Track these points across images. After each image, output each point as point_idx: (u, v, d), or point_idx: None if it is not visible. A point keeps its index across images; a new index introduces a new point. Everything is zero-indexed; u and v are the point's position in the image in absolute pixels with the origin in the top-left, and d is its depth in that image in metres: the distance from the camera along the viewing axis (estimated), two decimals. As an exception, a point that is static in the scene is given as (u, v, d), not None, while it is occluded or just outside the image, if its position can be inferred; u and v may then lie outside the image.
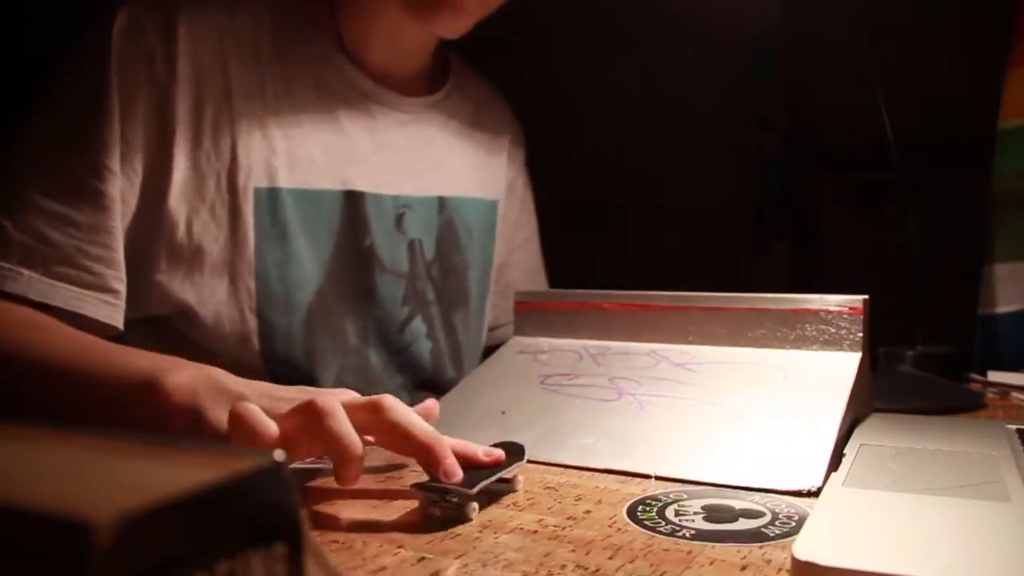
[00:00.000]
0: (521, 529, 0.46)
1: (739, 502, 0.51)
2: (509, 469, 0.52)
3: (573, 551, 0.43)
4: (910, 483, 0.49)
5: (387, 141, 0.83)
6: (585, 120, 1.44)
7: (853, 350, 0.66)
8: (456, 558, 0.42)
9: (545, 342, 0.77)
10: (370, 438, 0.52)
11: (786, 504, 0.51)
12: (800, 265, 1.34)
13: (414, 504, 0.50)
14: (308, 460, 0.54)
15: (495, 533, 0.46)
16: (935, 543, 0.40)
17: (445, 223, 0.88)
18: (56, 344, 0.62)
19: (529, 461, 0.60)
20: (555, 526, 0.47)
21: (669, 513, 0.49)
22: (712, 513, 0.49)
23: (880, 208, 1.25)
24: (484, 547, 0.44)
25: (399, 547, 0.44)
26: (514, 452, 0.54)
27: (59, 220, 0.67)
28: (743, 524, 0.47)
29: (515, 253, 1.01)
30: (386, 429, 0.50)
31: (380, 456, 0.55)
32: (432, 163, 0.86)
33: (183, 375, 0.55)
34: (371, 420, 0.50)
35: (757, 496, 0.52)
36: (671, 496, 0.52)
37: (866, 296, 0.67)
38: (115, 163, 0.69)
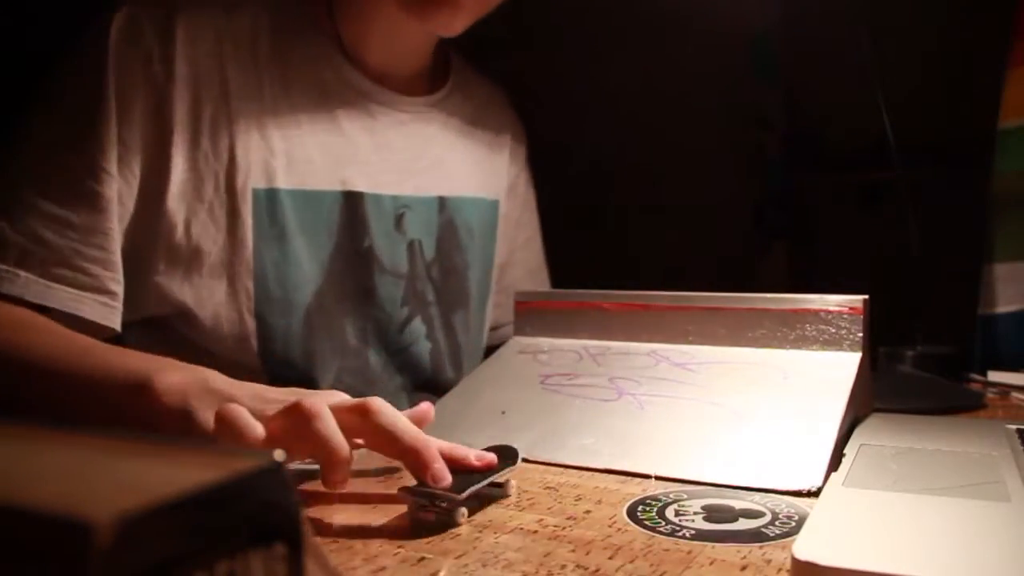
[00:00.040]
0: (521, 529, 0.46)
1: (739, 502, 0.51)
2: (501, 473, 0.51)
3: (573, 551, 0.43)
4: (910, 483, 0.49)
5: (387, 141, 0.83)
6: (585, 120, 1.44)
7: (853, 350, 0.66)
8: (456, 558, 0.42)
9: (545, 342, 0.77)
10: (360, 441, 0.52)
11: (786, 504, 0.51)
12: (800, 265, 1.34)
13: (403, 508, 0.49)
14: (306, 461, 0.54)
15: (495, 533, 0.46)
16: (935, 543, 0.40)
17: (445, 223, 0.88)
18: (50, 345, 0.62)
19: (529, 461, 0.61)
20: (555, 526, 0.47)
21: (669, 513, 0.49)
22: (712, 513, 0.49)
23: (880, 208, 1.25)
24: (484, 547, 0.44)
25: (399, 547, 0.44)
26: (507, 456, 0.53)
27: (56, 222, 0.67)
28: (743, 524, 0.47)
29: (517, 252, 1.01)
30: (374, 432, 0.50)
31: (376, 458, 0.54)
32: (432, 163, 0.86)
33: (174, 376, 0.55)
34: (359, 423, 0.50)
35: (757, 496, 0.52)
36: (671, 496, 0.52)
37: (866, 296, 0.67)
38: (112, 165, 0.69)
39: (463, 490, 0.47)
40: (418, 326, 0.86)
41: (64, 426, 0.26)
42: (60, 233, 0.67)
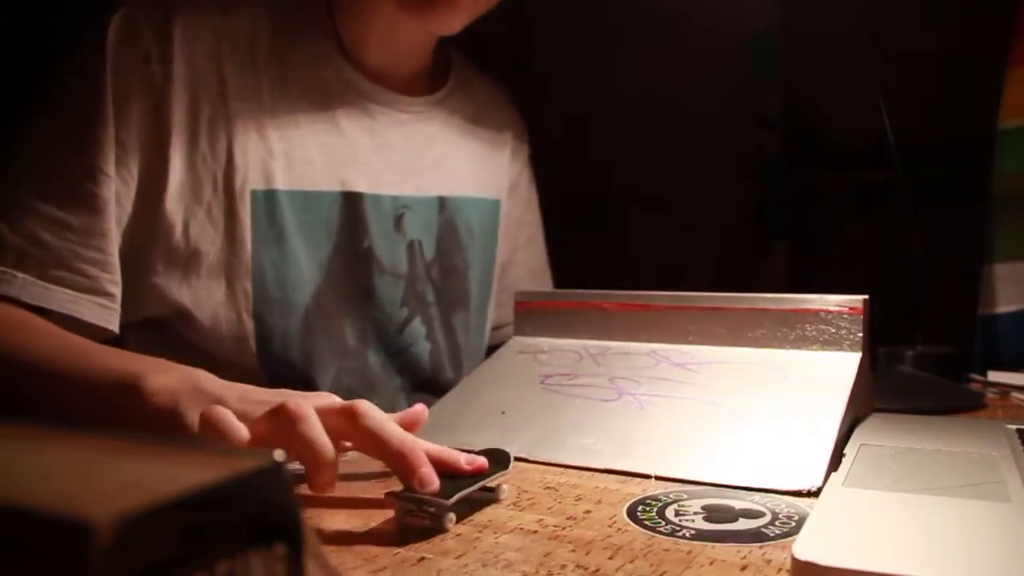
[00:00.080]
0: (521, 529, 0.46)
1: (739, 502, 0.51)
2: (492, 478, 0.50)
3: (573, 551, 0.43)
4: (910, 483, 0.49)
5: (386, 141, 0.82)
6: (585, 119, 1.44)
7: (853, 350, 0.66)
8: (456, 558, 0.42)
9: (545, 342, 0.77)
10: (348, 444, 0.51)
11: (786, 504, 0.51)
12: (800, 265, 1.34)
13: (391, 513, 0.48)
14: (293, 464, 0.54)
15: (495, 533, 0.46)
16: (935, 543, 0.40)
17: (446, 223, 0.88)
18: (44, 346, 0.62)
19: (529, 461, 0.61)
20: (555, 526, 0.47)
21: (669, 513, 0.49)
22: (712, 513, 0.49)
23: (880, 208, 1.25)
24: (484, 547, 0.44)
25: (399, 547, 0.44)
26: (499, 460, 0.52)
27: (54, 224, 0.67)
28: (743, 524, 0.47)
29: (519, 252, 1.01)
30: (361, 435, 0.50)
31: (373, 461, 0.54)
32: (432, 163, 0.86)
33: (164, 377, 0.55)
34: (345, 426, 0.50)
35: (757, 496, 0.52)
36: (671, 496, 0.52)
37: (866, 296, 0.67)
38: (110, 166, 0.69)
39: (451, 495, 0.46)
40: (418, 327, 0.86)
41: (64, 426, 0.26)
42: (58, 235, 0.67)
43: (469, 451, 0.52)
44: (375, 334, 0.83)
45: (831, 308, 0.67)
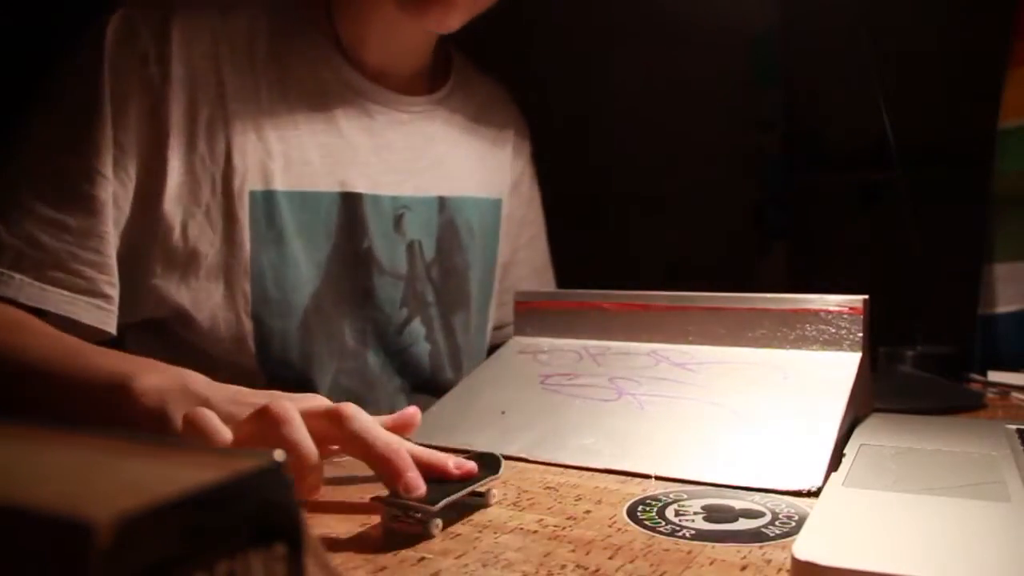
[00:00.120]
0: (521, 529, 0.46)
1: (739, 502, 0.51)
2: (481, 483, 0.49)
3: (573, 551, 0.43)
4: (910, 483, 0.49)
5: (386, 141, 0.82)
6: (586, 119, 1.44)
7: (853, 350, 0.66)
8: (456, 558, 0.42)
9: (545, 342, 0.77)
10: (335, 448, 0.51)
11: (786, 504, 0.51)
12: (800, 265, 1.34)
13: (378, 518, 0.47)
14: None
15: (495, 533, 0.46)
16: (935, 543, 0.40)
17: (446, 223, 0.88)
18: (41, 347, 0.62)
19: (529, 461, 0.61)
20: (555, 526, 0.47)
21: (669, 513, 0.49)
22: (712, 513, 0.49)
23: (880, 208, 1.25)
24: (484, 547, 0.44)
25: (399, 547, 0.44)
26: (488, 465, 0.51)
27: (52, 225, 0.67)
28: (743, 524, 0.47)
29: (521, 251, 1.01)
30: (346, 439, 0.49)
31: (362, 465, 0.53)
32: (433, 163, 0.86)
33: (153, 378, 0.55)
34: (330, 429, 0.49)
35: (757, 496, 0.52)
36: (671, 496, 0.52)
37: (866, 296, 0.67)
38: (107, 167, 0.68)
39: (438, 501, 0.45)
40: (417, 327, 0.86)
41: (64, 426, 0.26)
42: (55, 236, 0.67)
43: (468, 450, 0.52)
44: (374, 335, 0.83)
45: (831, 308, 0.67)
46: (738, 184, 1.36)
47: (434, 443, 0.64)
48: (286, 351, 0.76)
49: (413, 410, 0.57)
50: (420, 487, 0.46)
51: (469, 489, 0.48)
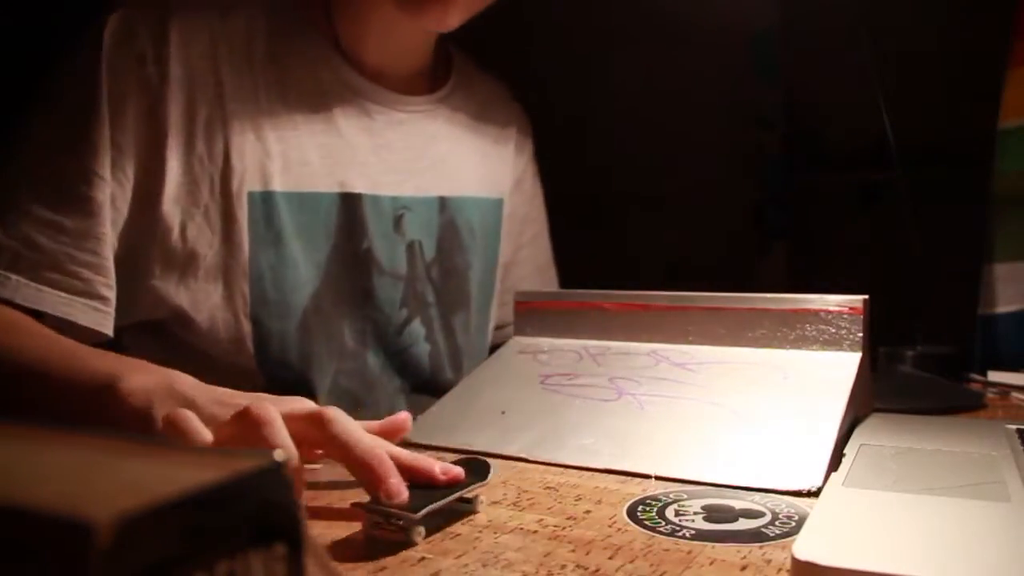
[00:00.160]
0: (521, 529, 0.46)
1: (739, 502, 0.51)
2: (469, 489, 0.48)
3: (573, 551, 0.43)
4: (910, 483, 0.49)
5: (386, 141, 0.82)
6: (585, 119, 1.44)
7: (853, 350, 0.66)
8: (456, 558, 0.42)
9: (545, 342, 0.77)
10: (320, 452, 0.51)
11: (786, 504, 0.51)
12: (800, 265, 1.34)
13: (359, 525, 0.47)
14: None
15: (495, 533, 0.46)
16: (935, 543, 0.40)
17: (446, 223, 0.88)
18: (32, 347, 0.62)
19: (529, 461, 0.61)
20: (555, 526, 0.47)
21: (669, 513, 0.49)
22: (712, 513, 0.49)
23: (880, 208, 1.25)
24: (484, 547, 0.44)
25: (399, 547, 0.43)
26: (477, 470, 0.50)
27: (49, 226, 0.67)
28: (743, 524, 0.47)
29: (524, 249, 1.01)
30: (327, 443, 0.48)
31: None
32: (433, 162, 0.86)
33: (139, 379, 0.55)
34: (311, 432, 0.48)
35: (757, 496, 0.52)
36: (671, 496, 0.52)
37: (866, 296, 0.67)
38: (105, 169, 0.68)
39: (421, 508, 0.44)
40: (417, 328, 0.86)
41: (64, 426, 0.26)
42: (52, 238, 0.67)
43: (468, 449, 0.51)
44: (374, 335, 0.83)
45: (831, 308, 0.67)
46: (738, 184, 1.36)
47: (434, 443, 0.65)
48: (285, 352, 0.76)
49: (404, 415, 0.57)
50: (401, 493, 0.45)
51: (455, 496, 0.47)
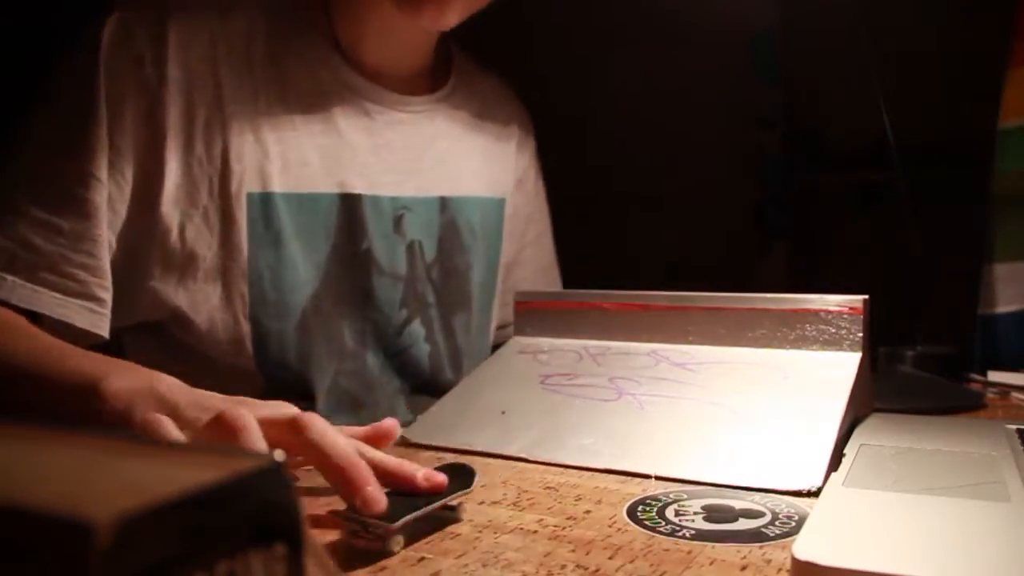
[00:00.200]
0: (521, 529, 0.46)
1: (739, 502, 0.51)
2: (452, 497, 0.47)
3: (573, 551, 0.43)
4: (910, 483, 0.49)
5: (386, 141, 0.82)
6: (585, 119, 1.44)
7: (853, 350, 0.66)
8: (456, 558, 0.42)
9: (545, 342, 0.77)
10: (300, 458, 0.50)
11: (786, 504, 0.51)
12: (800, 265, 1.34)
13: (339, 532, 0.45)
14: None
15: (495, 533, 0.46)
16: (935, 543, 0.40)
17: (447, 224, 0.87)
18: (25, 348, 0.62)
19: (529, 461, 0.61)
20: (555, 526, 0.47)
21: (669, 513, 0.49)
22: (712, 513, 0.49)
23: (880, 208, 1.25)
24: (484, 547, 0.44)
25: (380, 556, 0.43)
26: (460, 477, 0.48)
27: (45, 228, 0.67)
28: (743, 524, 0.47)
29: (527, 249, 1.00)
30: (304, 449, 0.47)
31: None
32: (434, 162, 0.86)
33: (122, 381, 0.54)
34: (288, 438, 0.47)
35: (757, 496, 0.52)
36: (671, 496, 0.52)
37: (866, 296, 0.67)
38: (102, 171, 0.68)
39: (400, 516, 0.43)
40: (417, 328, 0.85)
41: (64, 426, 0.26)
42: (49, 239, 0.67)
43: (468, 449, 0.51)
44: (374, 336, 0.82)
45: (831, 308, 0.67)
46: (738, 184, 1.36)
47: (434, 443, 0.65)
48: (284, 353, 0.76)
49: (391, 423, 0.56)
50: (379, 501, 0.44)
51: (436, 504, 0.46)
